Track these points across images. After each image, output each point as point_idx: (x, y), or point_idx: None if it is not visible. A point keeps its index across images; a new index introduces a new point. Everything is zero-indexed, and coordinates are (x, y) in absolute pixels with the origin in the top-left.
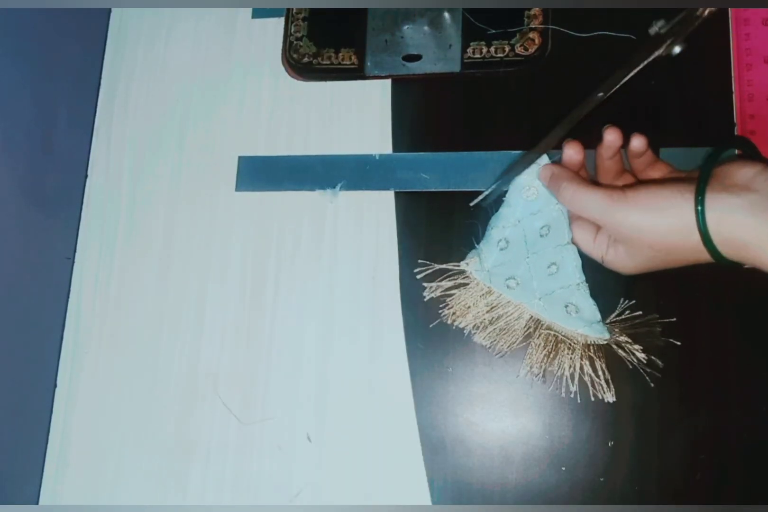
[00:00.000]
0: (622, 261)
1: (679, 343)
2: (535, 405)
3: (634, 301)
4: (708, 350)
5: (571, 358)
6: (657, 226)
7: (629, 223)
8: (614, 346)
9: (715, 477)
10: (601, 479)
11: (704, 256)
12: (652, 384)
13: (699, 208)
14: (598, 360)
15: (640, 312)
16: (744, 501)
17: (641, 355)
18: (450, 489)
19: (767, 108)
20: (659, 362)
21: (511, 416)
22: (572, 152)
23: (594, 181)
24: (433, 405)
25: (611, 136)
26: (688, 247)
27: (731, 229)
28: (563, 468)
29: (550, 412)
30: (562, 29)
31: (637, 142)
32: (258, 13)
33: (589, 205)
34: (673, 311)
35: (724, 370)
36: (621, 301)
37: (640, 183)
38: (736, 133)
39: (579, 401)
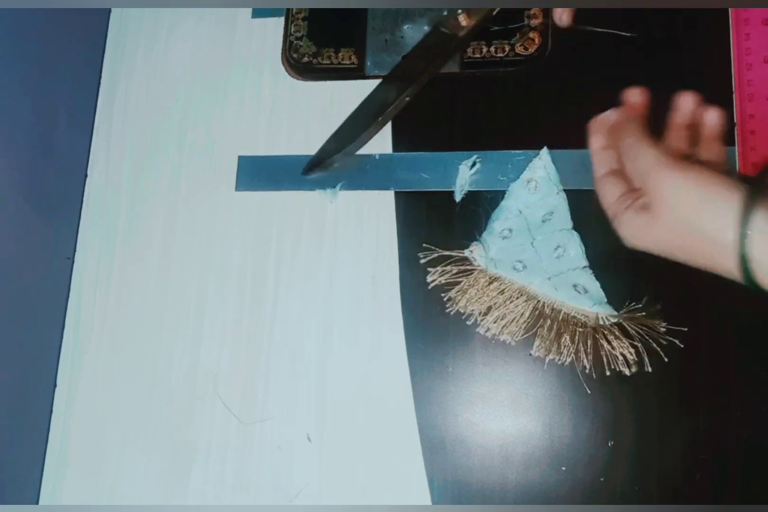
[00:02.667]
0: (636, 227)
1: (682, 346)
2: (535, 405)
3: (638, 304)
4: (708, 350)
5: (584, 334)
6: (691, 208)
7: (670, 186)
8: (626, 324)
9: (715, 477)
10: (601, 479)
11: (721, 268)
12: (649, 369)
13: (742, 229)
14: (611, 334)
15: (644, 314)
16: (744, 501)
17: (631, 357)
18: (450, 489)
19: (767, 108)
20: (648, 364)
21: (511, 416)
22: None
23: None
24: (433, 405)
25: (687, 101)
26: (709, 253)
27: None
28: (563, 468)
29: (550, 412)
30: (562, 29)
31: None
32: (258, 13)
33: (645, 155)
34: (674, 313)
35: (724, 370)
36: (626, 303)
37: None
38: (736, 133)
39: (588, 391)
